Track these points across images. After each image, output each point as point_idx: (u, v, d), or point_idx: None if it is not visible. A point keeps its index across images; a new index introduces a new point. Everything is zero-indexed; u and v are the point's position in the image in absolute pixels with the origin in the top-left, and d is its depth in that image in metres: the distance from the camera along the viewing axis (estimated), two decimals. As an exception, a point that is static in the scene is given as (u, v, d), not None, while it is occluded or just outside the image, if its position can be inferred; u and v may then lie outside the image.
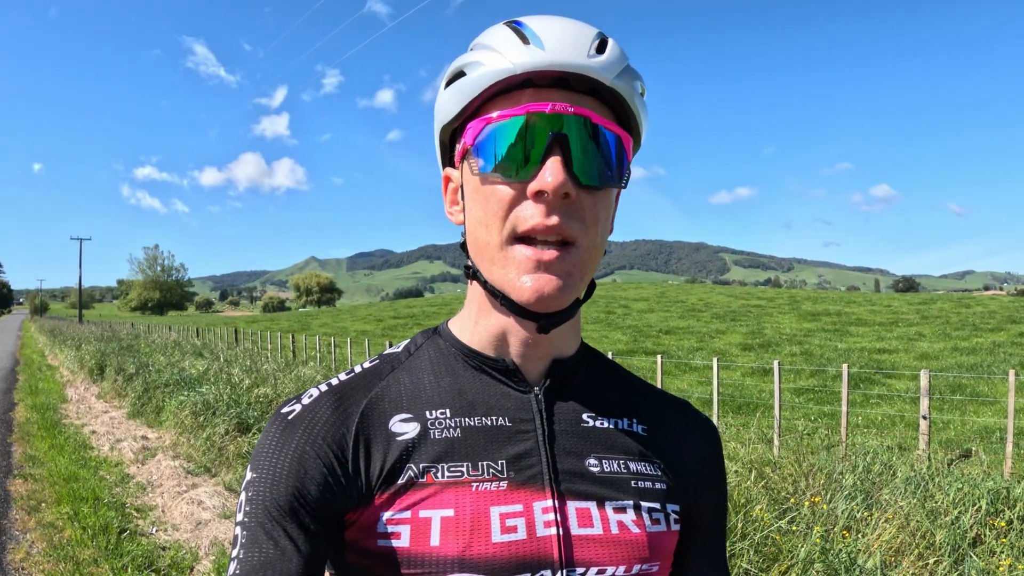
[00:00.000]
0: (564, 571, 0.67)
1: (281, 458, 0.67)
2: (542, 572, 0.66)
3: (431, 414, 0.71)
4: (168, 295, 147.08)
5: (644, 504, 0.73)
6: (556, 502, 0.69)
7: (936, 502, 4.80)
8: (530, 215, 0.65)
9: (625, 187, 0.71)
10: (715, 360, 10.81)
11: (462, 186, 0.72)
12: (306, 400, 0.72)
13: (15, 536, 5.24)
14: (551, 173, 0.63)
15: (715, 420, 9.36)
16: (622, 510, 0.71)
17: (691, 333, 28.29)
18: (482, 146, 0.67)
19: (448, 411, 0.71)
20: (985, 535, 4.54)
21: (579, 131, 0.65)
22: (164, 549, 5.03)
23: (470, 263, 0.73)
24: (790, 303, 39.20)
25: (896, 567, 4.05)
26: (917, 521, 4.47)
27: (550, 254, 0.65)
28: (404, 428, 0.70)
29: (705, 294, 50.98)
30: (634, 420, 0.78)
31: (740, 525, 4.05)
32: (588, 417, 0.75)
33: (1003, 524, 4.59)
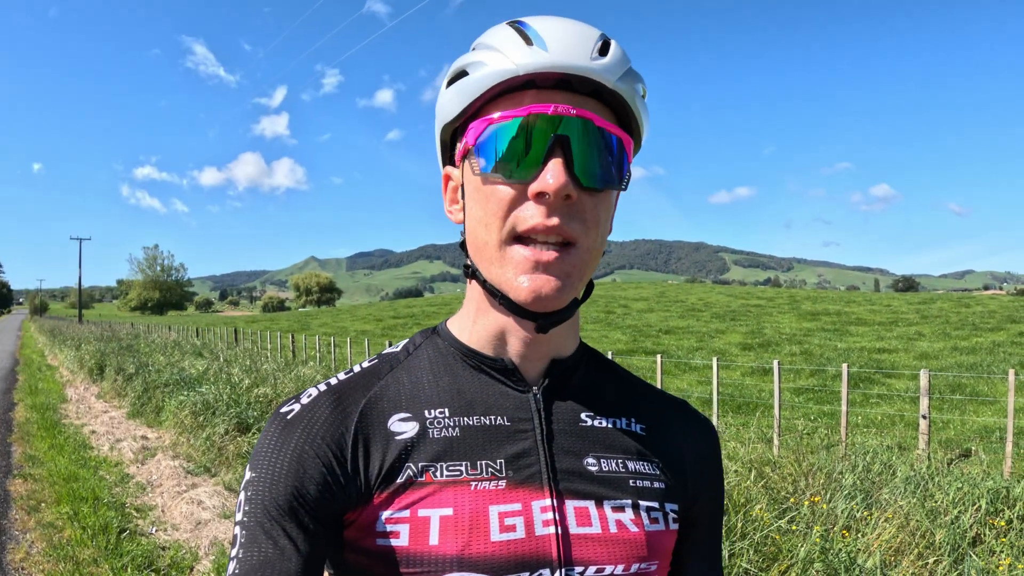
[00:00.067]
0: (563, 570, 0.67)
1: (280, 458, 0.67)
2: (541, 571, 0.66)
3: (430, 413, 0.71)
4: (168, 295, 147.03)
5: (643, 503, 0.73)
6: (555, 501, 0.69)
7: (936, 502, 4.80)
8: (531, 215, 0.65)
9: (625, 189, 0.71)
10: (715, 360, 10.81)
11: (462, 185, 0.72)
12: (305, 400, 0.72)
13: (15, 536, 5.24)
14: (553, 175, 0.63)
15: (715, 420, 9.36)
16: (620, 509, 0.71)
17: (691, 333, 28.28)
18: (484, 146, 0.67)
19: (447, 410, 0.71)
20: (985, 534, 4.54)
21: (581, 133, 0.65)
22: (164, 549, 5.03)
23: (469, 262, 0.73)
24: (790, 303, 39.17)
25: (896, 566, 4.05)
26: (917, 520, 4.47)
27: (549, 254, 0.65)
28: (403, 427, 0.70)
29: (705, 294, 50.95)
30: (633, 420, 0.78)
31: (740, 525, 4.05)
32: (587, 416, 0.75)
33: (1003, 523, 4.59)
